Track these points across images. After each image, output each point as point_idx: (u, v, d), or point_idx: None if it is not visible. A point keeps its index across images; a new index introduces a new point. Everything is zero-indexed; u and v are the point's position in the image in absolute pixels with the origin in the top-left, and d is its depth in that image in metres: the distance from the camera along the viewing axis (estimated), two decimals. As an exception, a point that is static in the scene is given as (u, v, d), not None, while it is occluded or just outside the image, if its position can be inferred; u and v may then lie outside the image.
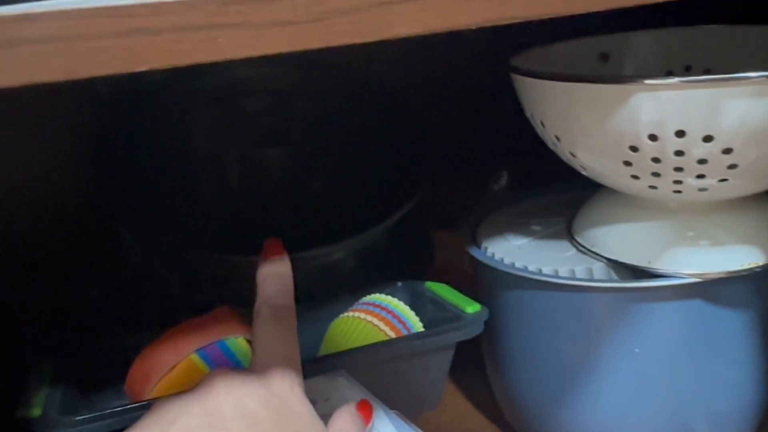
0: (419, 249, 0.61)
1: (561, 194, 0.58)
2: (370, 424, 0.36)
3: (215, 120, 0.55)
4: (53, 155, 0.51)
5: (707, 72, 0.55)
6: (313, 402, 0.39)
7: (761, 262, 0.44)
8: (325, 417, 0.38)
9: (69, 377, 0.43)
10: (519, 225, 0.54)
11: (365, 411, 0.36)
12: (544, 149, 0.49)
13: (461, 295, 0.50)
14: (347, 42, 0.21)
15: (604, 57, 0.54)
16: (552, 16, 0.26)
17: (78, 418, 0.37)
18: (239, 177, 0.56)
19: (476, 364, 0.56)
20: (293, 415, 0.30)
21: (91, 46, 0.18)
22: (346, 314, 0.49)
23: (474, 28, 0.24)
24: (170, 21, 0.19)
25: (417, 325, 0.49)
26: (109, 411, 0.37)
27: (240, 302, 0.46)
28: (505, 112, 0.57)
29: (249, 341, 0.45)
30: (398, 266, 0.57)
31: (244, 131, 0.55)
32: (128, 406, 0.38)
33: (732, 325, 0.46)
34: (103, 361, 0.46)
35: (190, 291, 0.49)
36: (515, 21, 0.25)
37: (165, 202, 0.52)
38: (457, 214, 0.56)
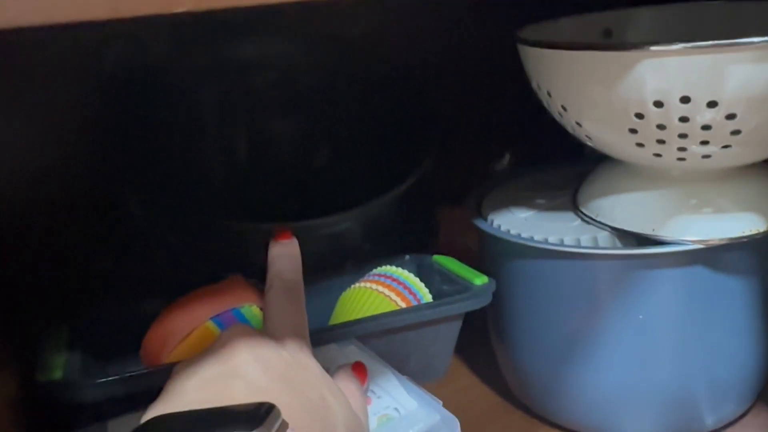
0: (424, 225, 0.62)
1: (563, 169, 0.59)
2: (366, 385, 0.38)
3: (223, 94, 0.56)
4: (64, 128, 0.52)
5: (708, 47, 0.56)
6: (326, 369, 0.41)
7: (762, 230, 0.45)
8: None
9: (84, 343, 0.44)
10: (523, 198, 0.55)
11: (360, 373, 0.38)
12: (546, 131, 0.50)
13: (468, 268, 0.51)
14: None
15: (608, 32, 0.55)
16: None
17: (100, 380, 0.37)
18: (247, 149, 0.58)
19: (481, 336, 0.57)
20: (303, 367, 0.32)
21: (135, -14, 0.19)
22: (356, 285, 0.50)
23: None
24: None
25: (426, 296, 0.49)
26: (131, 374, 0.38)
27: (249, 270, 0.47)
28: (509, 93, 0.58)
29: (262, 309, 0.46)
30: (404, 242, 0.58)
31: (252, 105, 0.56)
32: (149, 370, 0.39)
33: (733, 292, 0.47)
34: (115, 329, 0.47)
35: (199, 259, 0.50)
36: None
37: (173, 172, 0.53)
38: (461, 193, 0.57)
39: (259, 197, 0.55)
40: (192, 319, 0.43)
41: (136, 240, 0.51)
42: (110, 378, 0.38)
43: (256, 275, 0.48)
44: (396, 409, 0.35)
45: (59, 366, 0.39)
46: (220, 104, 0.56)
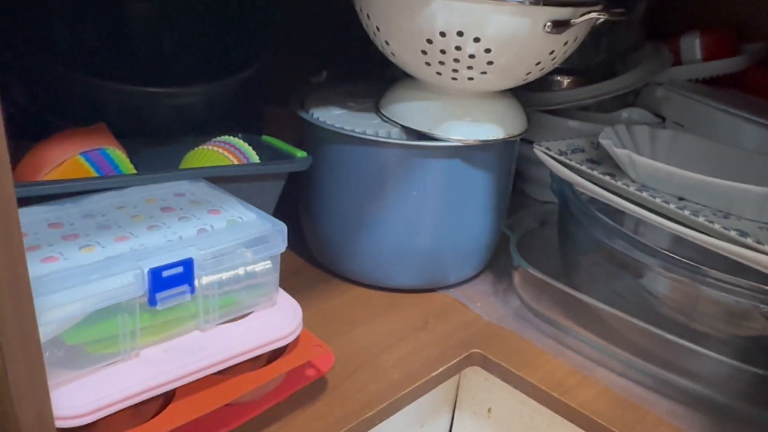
0: (255, 118, 0.74)
1: (370, 84, 0.74)
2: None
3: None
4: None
5: None
6: (182, 194, 0.52)
7: (500, 137, 0.64)
8: (193, 204, 0.50)
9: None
10: (338, 101, 0.69)
11: None
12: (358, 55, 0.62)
13: (292, 146, 0.64)
14: None
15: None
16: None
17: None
18: (104, 22, 0.64)
19: (289, 212, 0.70)
20: None
21: None
22: (199, 147, 0.61)
23: None
24: None
25: (257, 160, 0.62)
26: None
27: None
28: (338, 13, 0.70)
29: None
30: (238, 127, 0.69)
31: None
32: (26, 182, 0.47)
33: (478, 180, 0.65)
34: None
35: (54, 109, 0.57)
36: None
37: (34, 33, 0.58)
38: (284, 97, 0.70)
39: (113, 62, 0.63)
40: (64, 151, 0.51)
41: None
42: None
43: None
44: (240, 217, 0.48)
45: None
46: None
